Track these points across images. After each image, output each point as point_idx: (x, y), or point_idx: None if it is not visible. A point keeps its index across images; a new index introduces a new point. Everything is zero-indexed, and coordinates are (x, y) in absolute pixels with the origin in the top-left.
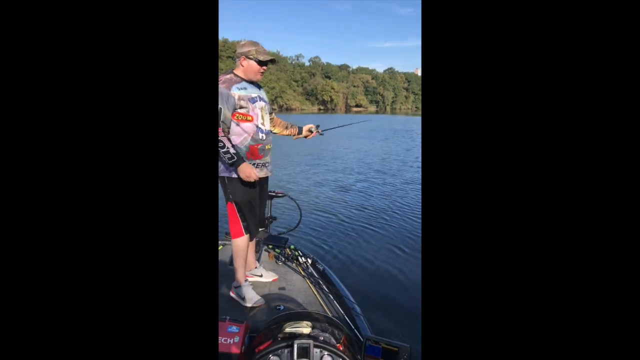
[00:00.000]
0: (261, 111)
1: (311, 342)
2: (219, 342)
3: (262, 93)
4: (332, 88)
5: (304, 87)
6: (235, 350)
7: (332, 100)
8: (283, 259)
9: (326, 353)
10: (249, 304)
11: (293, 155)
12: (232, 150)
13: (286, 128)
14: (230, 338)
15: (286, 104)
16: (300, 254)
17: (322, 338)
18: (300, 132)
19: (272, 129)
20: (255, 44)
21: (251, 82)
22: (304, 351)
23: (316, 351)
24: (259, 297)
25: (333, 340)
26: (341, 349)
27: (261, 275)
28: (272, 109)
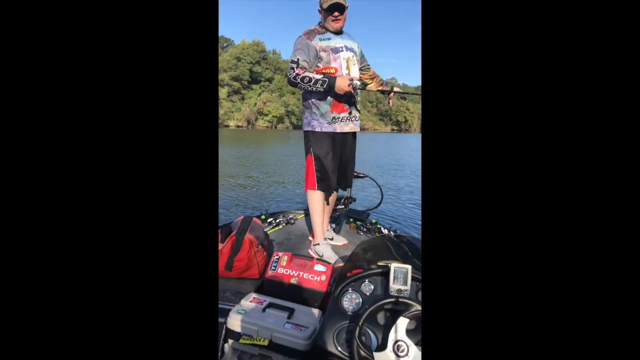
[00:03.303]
0: (346, 62)
1: (410, 267)
2: (307, 278)
3: (351, 43)
4: (407, 109)
5: (379, 107)
6: (321, 287)
7: (406, 120)
8: (365, 229)
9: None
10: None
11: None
12: (317, 76)
13: (381, 85)
14: (317, 276)
15: None
16: (382, 226)
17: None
18: (389, 90)
19: (366, 82)
20: None
21: (338, 33)
22: (403, 276)
23: (413, 284)
24: (337, 257)
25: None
26: None
27: (332, 239)
28: (365, 61)
